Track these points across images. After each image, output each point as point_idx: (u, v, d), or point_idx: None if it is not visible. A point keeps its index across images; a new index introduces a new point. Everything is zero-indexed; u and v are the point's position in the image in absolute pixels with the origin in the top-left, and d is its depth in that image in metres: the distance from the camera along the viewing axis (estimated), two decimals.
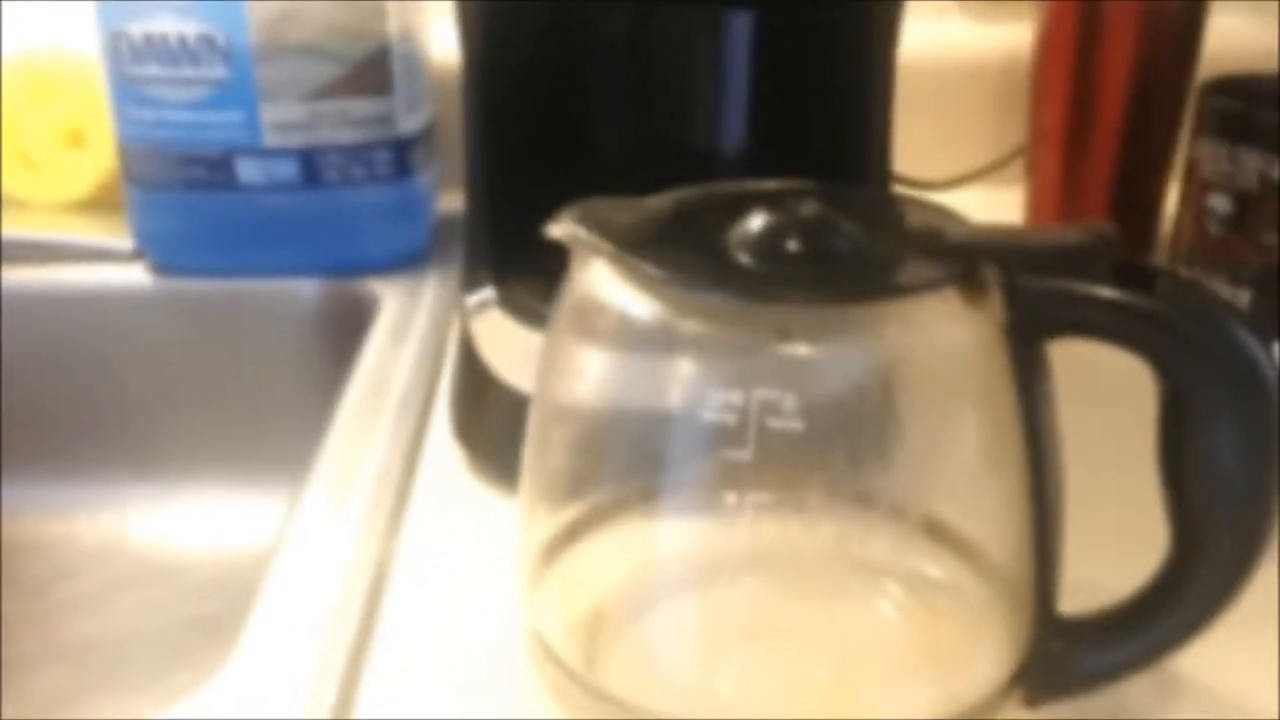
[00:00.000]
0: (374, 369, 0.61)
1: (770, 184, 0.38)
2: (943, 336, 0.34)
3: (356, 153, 0.69)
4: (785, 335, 0.33)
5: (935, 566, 0.38)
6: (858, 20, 0.50)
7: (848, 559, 0.38)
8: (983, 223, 0.37)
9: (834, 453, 0.34)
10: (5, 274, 0.75)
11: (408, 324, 0.67)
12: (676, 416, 0.34)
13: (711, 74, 0.49)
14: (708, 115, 0.50)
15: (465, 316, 0.52)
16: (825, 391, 0.34)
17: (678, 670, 0.37)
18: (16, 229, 0.78)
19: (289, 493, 0.51)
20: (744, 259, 0.34)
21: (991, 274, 0.34)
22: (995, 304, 0.33)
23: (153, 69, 0.67)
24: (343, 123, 0.68)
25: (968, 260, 0.34)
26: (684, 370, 0.35)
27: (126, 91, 0.68)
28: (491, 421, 0.50)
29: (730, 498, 0.34)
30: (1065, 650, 0.35)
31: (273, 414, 0.74)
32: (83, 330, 0.75)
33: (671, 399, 0.35)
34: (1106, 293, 0.32)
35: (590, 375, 0.37)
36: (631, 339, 0.36)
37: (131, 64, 0.67)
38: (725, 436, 0.33)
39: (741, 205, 0.36)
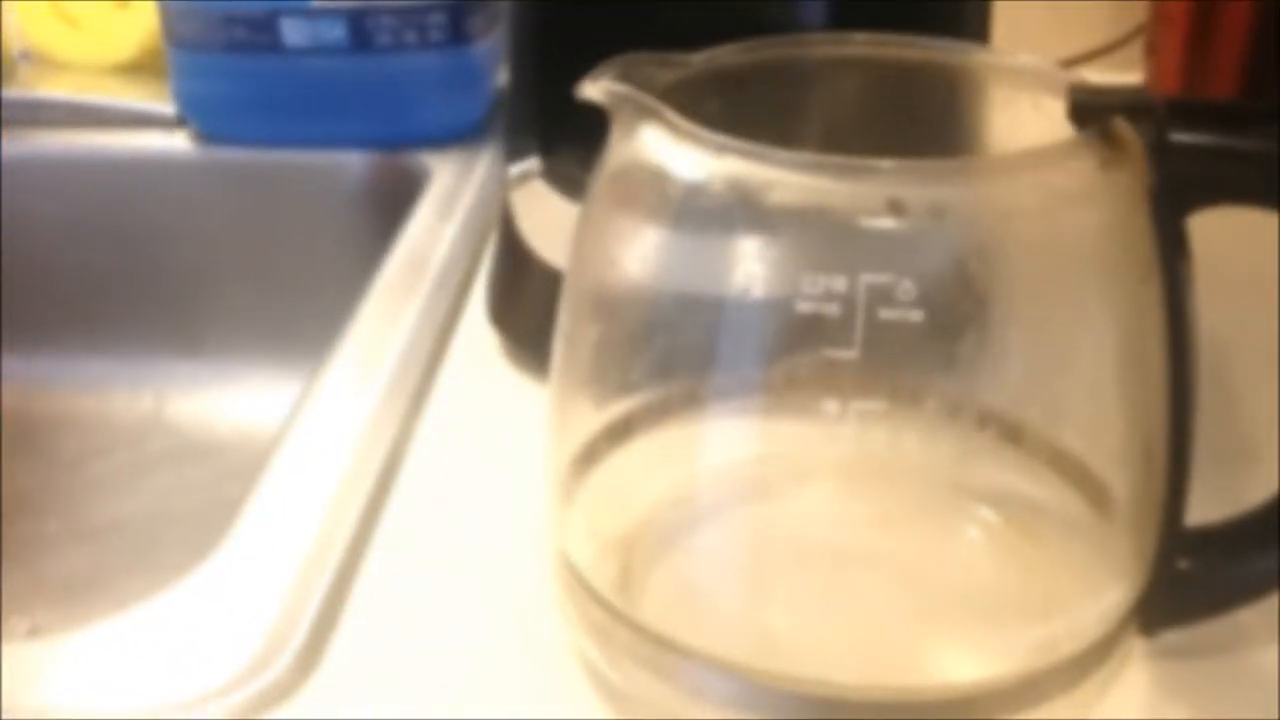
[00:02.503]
0: (416, 245, 0.57)
1: (819, 38, 0.33)
2: (1079, 206, 0.29)
3: (409, 16, 0.64)
4: (898, 209, 0.28)
5: (1046, 488, 0.33)
6: None
7: (940, 477, 0.34)
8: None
9: (943, 349, 0.29)
10: (42, 137, 0.71)
11: (456, 200, 0.62)
12: (752, 305, 0.29)
13: None
14: None
15: (505, 188, 0.48)
16: (941, 276, 0.29)
17: (726, 597, 0.32)
18: (55, 90, 0.74)
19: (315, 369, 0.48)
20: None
21: (1128, 132, 0.29)
22: (1135, 167, 0.28)
23: None
24: None
25: (1099, 116, 0.29)
26: (764, 252, 0.29)
27: None
28: (528, 302, 0.46)
29: (830, 405, 0.29)
30: (1193, 568, 0.31)
31: (315, 290, 0.71)
32: (121, 198, 0.71)
33: (744, 284, 0.30)
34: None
35: (637, 257, 0.32)
36: (693, 214, 0.30)
37: None
38: (822, 329, 0.28)
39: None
